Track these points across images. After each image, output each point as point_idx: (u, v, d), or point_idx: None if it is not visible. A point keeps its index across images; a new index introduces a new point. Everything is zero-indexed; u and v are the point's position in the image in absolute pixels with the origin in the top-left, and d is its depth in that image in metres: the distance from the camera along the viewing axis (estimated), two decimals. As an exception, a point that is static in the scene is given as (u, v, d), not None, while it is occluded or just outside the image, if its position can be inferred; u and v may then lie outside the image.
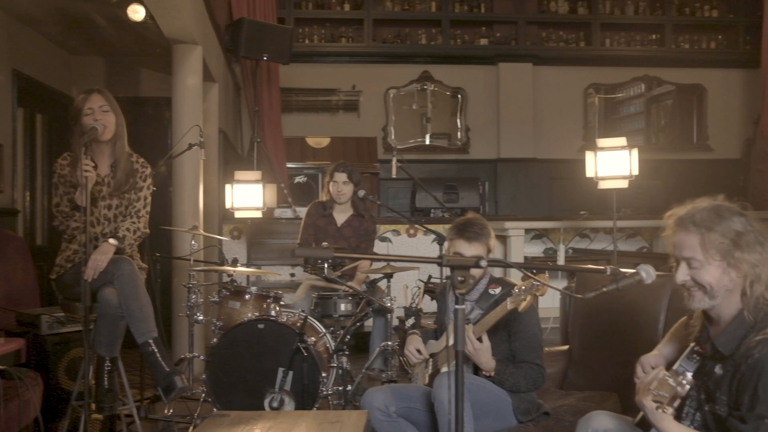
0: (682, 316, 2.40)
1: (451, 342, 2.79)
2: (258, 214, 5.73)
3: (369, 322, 4.70)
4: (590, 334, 3.46)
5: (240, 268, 4.35)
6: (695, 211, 2.06)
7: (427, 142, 8.93)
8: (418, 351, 3.18)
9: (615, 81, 9.15)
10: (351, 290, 4.24)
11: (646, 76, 9.17)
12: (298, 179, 7.89)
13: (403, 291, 5.82)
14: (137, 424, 3.47)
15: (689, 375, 1.92)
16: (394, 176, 5.44)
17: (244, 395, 3.83)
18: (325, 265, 4.13)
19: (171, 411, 4.17)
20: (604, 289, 2.01)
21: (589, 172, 5.34)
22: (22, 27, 5.84)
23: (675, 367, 2.11)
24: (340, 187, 4.75)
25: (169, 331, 5.12)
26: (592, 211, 6.85)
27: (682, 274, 2.06)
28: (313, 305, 4.37)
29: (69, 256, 3.29)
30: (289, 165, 7.80)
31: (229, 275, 4.45)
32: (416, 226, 6.67)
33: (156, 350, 3.08)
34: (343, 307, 4.30)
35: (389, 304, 4.25)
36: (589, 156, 5.35)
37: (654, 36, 9.14)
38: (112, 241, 3.13)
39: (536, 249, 6.97)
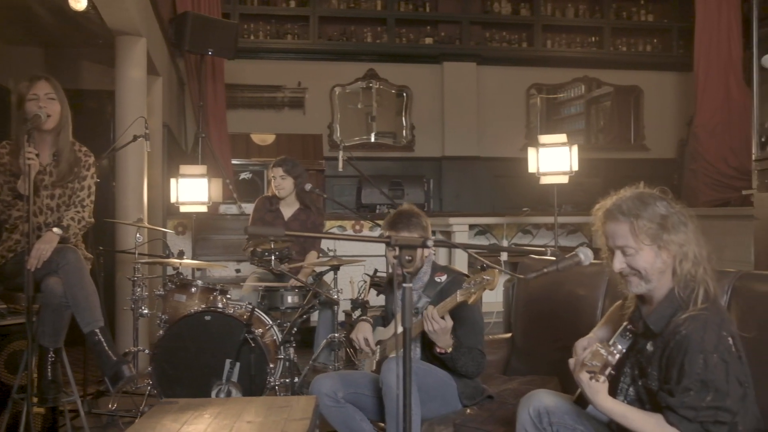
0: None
1: (399, 330, 2.84)
2: (203, 209, 5.69)
3: (315, 317, 4.73)
4: (532, 322, 3.56)
5: (186, 260, 4.33)
6: (621, 201, 2.17)
7: (373, 140, 8.99)
8: (366, 340, 3.22)
9: (556, 81, 9.38)
10: (298, 282, 4.26)
11: (585, 77, 9.43)
12: (244, 176, 7.85)
13: (349, 284, 5.87)
14: (82, 418, 3.41)
15: (619, 346, 2.03)
16: (340, 169, 5.47)
17: (191, 387, 3.81)
18: (272, 258, 4.15)
19: (115, 406, 4.12)
20: (545, 270, 2.10)
21: (531, 168, 5.49)
22: (-45, 15, 5.68)
23: (608, 342, 2.22)
24: (278, 181, 4.79)
25: (113, 326, 5.05)
26: (535, 208, 7.02)
27: (619, 262, 2.16)
28: (260, 298, 4.38)
29: (11, 246, 3.22)
30: (234, 161, 7.76)
31: (175, 268, 4.42)
32: (362, 221, 6.73)
33: (102, 339, 3.04)
34: (290, 299, 4.32)
35: (336, 297, 4.30)
36: (531, 152, 5.50)
37: (593, 38, 9.41)
38: (56, 230, 3.08)
39: (480, 244, 7.09)
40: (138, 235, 4.44)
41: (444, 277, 3.10)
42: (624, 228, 2.12)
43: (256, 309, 4.03)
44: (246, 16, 8.56)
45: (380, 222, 5.12)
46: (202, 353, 3.88)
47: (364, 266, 5.65)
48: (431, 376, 2.90)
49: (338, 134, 8.83)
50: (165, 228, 6.29)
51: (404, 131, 9.06)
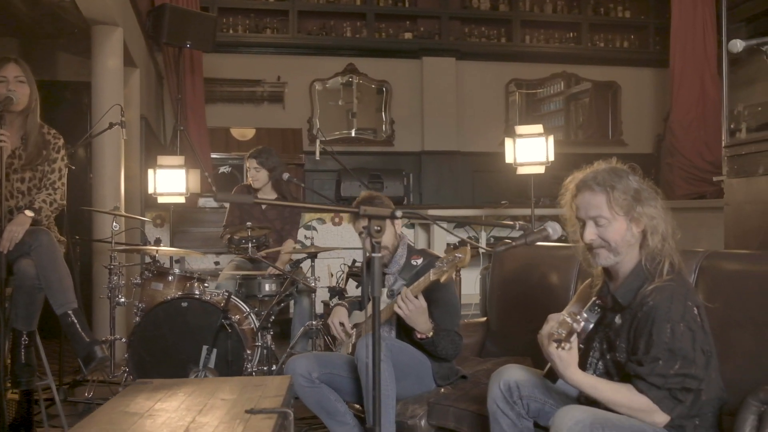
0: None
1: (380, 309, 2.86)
2: (181, 200, 5.65)
3: (293, 308, 4.73)
4: (506, 305, 3.60)
5: (163, 248, 4.33)
6: (596, 173, 2.22)
7: (353, 134, 9.01)
8: (342, 324, 3.24)
9: (535, 77, 9.44)
10: (276, 270, 4.27)
11: (564, 73, 9.50)
12: (223, 170, 7.80)
13: (327, 271, 5.88)
14: (57, 406, 3.40)
15: (585, 315, 2.06)
16: (317, 158, 5.49)
17: (168, 374, 3.76)
18: (249, 245, 4.16)
19: (92, 394, 4.11)
20: (514, 244, 2.13)
21: (509, 158, 5.52)
22: (-73, 5, 5.60)
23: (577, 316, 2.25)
24: (252, 173, 4.80)
25: (90, 315, 5.02)
26: (513, 201, 7.07)
27: (590, 233, 2.19)
28: (238, 286, 4.39)
29: (-19, 229, 3.20)
30: (214, 155, 7.74)
31: (152, 257, 4.41)
32: (341, 215, 6.74)
33: (76, 321, 3.03)
34: (267, 287, 4.34)
35: (313, 284, 4.31)
36: (508, 143, 5.54)
37: (571, 34, 9.49)
38: (28, 212, 3.06)
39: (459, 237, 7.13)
40: (115, 224, 4.42)
41: (420, 260, 3.14)
42: (599, 198, 2.16)
43: (233, 296, 4.03)
44: (225, 9, 8.53)
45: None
46: (179, 340, 3.88)
47: (344, 258, 5.68)
48: (405, 354, 2.92)
49: (318, 128, 8.81)
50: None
51: (384, 126, 9.08)
